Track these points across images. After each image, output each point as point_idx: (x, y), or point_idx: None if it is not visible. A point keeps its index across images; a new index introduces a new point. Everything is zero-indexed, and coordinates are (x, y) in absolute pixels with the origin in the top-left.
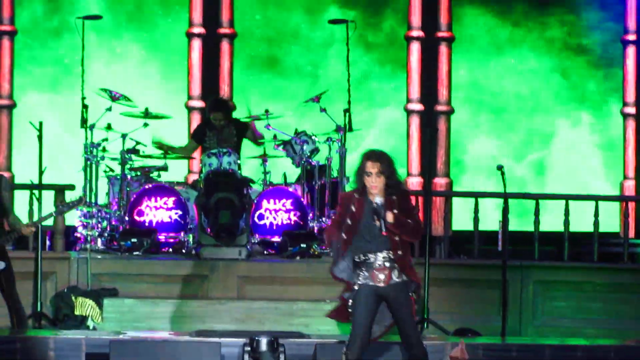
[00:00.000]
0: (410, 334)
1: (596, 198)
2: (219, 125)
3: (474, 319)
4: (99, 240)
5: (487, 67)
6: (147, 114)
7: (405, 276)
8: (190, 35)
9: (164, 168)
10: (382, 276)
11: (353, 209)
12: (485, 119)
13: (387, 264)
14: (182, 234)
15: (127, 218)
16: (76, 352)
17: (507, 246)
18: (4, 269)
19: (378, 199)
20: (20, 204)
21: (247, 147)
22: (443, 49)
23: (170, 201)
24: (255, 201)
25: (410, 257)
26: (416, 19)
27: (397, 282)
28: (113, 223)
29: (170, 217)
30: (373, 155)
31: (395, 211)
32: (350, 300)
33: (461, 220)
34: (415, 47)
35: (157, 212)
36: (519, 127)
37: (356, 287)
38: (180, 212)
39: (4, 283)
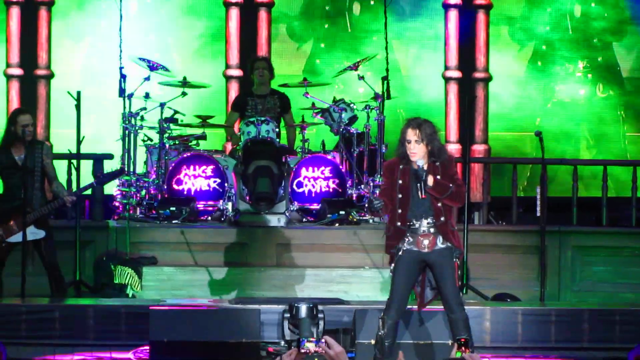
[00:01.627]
0: (452, 299)
1: (635, 163)
2: (262, 77)
3: (512, 285)
4: (138, 209)
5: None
6: (185, 83)
7: (449, 242)
8: (227, 5)
9: (203, 137)
10: (426, 242)
11: (397, 176)
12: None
13: (432, 230)
14: (220, 202)
15: (165, 187)
16: (115, 320)
17: (546, 212)
18: (45, 238)
19: (420, 164)
20: (59, 173)
21: None
22: (480, 16)
23: (209, 169)
24: (293, 169)
25: (454, 223)
26: None
27: (441, 248)
28: (151, 192)
29: (208, 185)
30: (413, 123)
31: (438, 177)
32: (392, 265)
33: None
34: (453, 15)
35: (195, 180)
36: None
37: (400, 253)
38: (218, 180)
39: (44, 251)
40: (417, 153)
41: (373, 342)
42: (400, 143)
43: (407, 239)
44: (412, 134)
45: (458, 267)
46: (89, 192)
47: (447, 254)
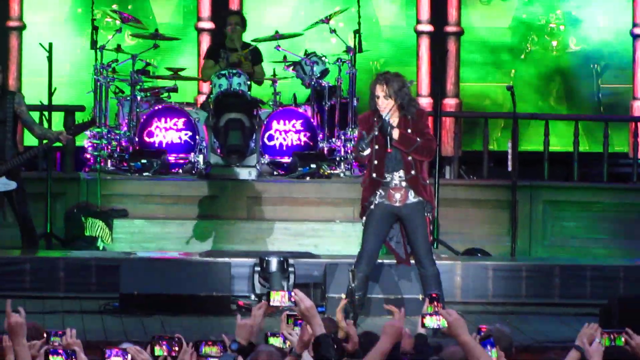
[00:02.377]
0: (423, 254)
1: (606, 119)
2: (233, 33)
3: (483, 240)
4: (109, 161)
5: None
6: (156, 36)
7: (421, 196)
8: None
9: (174, 89)
10: (397, 195)
11: (373, 130)
12: None
13: (404, 184)
14: (191, 154)
15: (136, 139)
16: (86, 272)
17: (517, 166)
18: (16, 189)
19: (387, 118)
20: None
21: None
22: None
23: (180, 122)
24: (265, 122)
25: (426, 177)
26: None
27: (412, 202)
28: (123, 144)
29: (180, 138)
30: (380, 78)
31: (409, 130)
32: (364, 218)
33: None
34: None
35: (166, 133)
36: None
37: (372, 206)
38: (190, 133)
39: (15, 203)
40: (386, 108)
41: (344, 295)
42: (370, 97)
43: (379, 192)
44: (379, 90)
45: (430, 222)
46: (59, 143)
47: (418, 208)
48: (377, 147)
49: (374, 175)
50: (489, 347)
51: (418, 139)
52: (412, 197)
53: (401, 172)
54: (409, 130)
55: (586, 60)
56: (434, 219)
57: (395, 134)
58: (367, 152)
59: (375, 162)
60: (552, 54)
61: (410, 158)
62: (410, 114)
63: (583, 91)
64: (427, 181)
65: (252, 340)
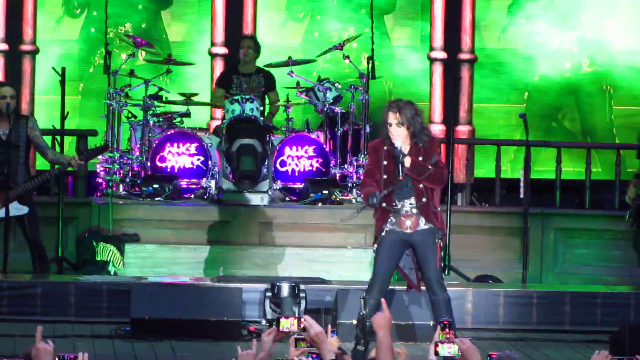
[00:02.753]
0: (434, 280)
1: (618, 147)
2: (246, 56)
3: (494, 266)
4: (121, 186)
5: None
6: (169, 61)
7: (432, 223)
8: None
9: (187, 114)
10: (408, 222)
11: (382, 156)
12: None
13: (415, 211)
14: (204, 180)
15: (149, 164)
16: (97, 296)
17: (529, 194)
18: (28, 213)
19: (398, 145)
20: None
21: None
22: None
23: (193, 147)
24: (277, 148)
25: (437, 204)
26: None
27: (423, 229)
28: (135, 169)
29: (192, 163)
30: (393, 106)
31: (420, 158)
32: (375, 245)
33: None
34: None
35: (179, 158)
36: None
37: (383, 234)
38: (202, 158)
39: (27, 227)
40: (398, 136)
41: (355, 322)
42: (382, 125)
43: (390, 220)
44: (392, 117)
45: (440, 249)
46: (71, 168)
47: (429, 235)
48: (385, 176)
49: (384, 205)
50: None
51: (430, 167)
52: (422, 224)
53: (412, 200)
54: (420, 158)
55: (599, 82)
56: (445, 245)
57: (407, 162)
58: (377, 204)
59: (385, 191)
60: (566, 75)
61: (421, 186)
62: (422, 141)
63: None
64: (438, 208)
65: None
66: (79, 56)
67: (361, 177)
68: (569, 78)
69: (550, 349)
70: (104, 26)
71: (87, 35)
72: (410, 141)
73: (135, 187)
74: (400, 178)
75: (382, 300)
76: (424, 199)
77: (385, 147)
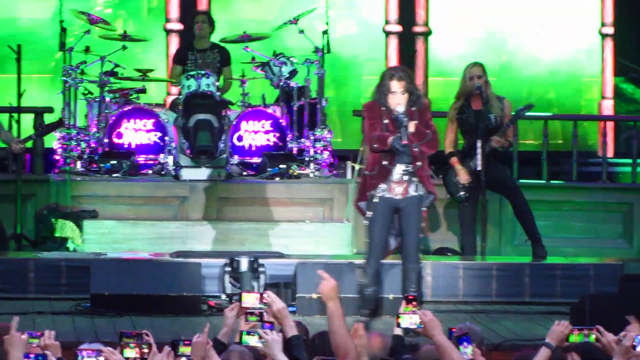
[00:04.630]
0: (412, 248)
1: (575, 118)
2: (201, 31)
3: (453, 239)
4: (78, 163)
5: None
6: (125, 37)
7: (423, 189)
8: None
9: (143, 90)
10: (399, 189)
11: (382, 115)
12: None
13: (405, 177)
14: (161, 156)
15: (106, 140)
16: (57, 273)
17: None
18: None
19: (400, 110)
20: None
21: None
22: None
23: (149, 123)
24: (234, 123)
25: (429, 168)
26: None
27: (412, 196)
28: (92, 145)
29: (149, 139)
30: (396, 75)
31: (416, 122)
32: (368, 213)
33: None
34: None
35: (136, 134)
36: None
37: (375, 200)
38: (159, 134)
39: None
40: (402, 102)
41: (314, 295)
42: (380, 92)
43: (380, 186)
44: (397, 86)
45: (426, 217)
46: (29, 145)
47: (416, 202)
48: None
49: (385, 162)
50: (466, 344)
51: (428, 132)
52: (412, 191)
53: (404, 165)
54: (416, 122)
55: None
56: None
57: (411, 127)
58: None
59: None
60: None
61: (416, 149)
62: (418, 106)
63: None
64: (430, 172)
65: (225, 341)
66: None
67: (318, 150)
68: None
69: (509, 321)
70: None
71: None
72: (407, 106)
73: (92, 164)
74: (404, 142)
75: (321, 271)
76: (418, 163)
77: (383, 108)
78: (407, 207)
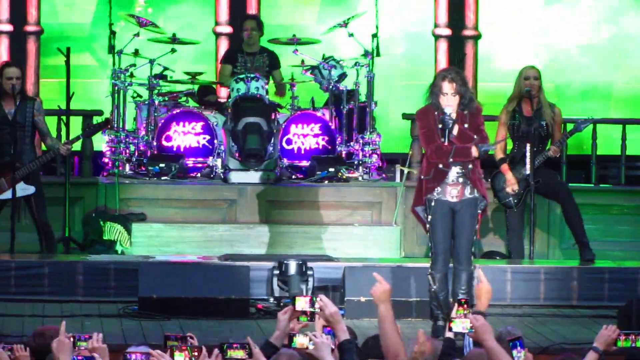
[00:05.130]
0: (464, 252)
1: (624, 122)
2: (250, 39)
3: (500, 243)
4: (127, 166)
5: None
6: (174, 40)
7: (477, 192)
8: None
9: (192, 93)
10: (454, 191)
11: (436, 120)
12: None
13: (460, 180)
14: (210, 158)
15: (155, 143)
16: (105, 276)
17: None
18: (35, 194)
19: (448, 112)
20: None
21: None
22: None
23: (199, 126)
24: (283, 126)
25: (481, 172)
26: None
27: (467, 198)
28: (141, 148)
29: (198, 142)
30: (448, 76)
31: (466, 125)
32: (429, 217)
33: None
34: None
35: (185, 137)
36: None
37: (433, 204)
38: (208, 137)
39: (34, 207)
40: (451, 104)
41: (362, 299)
42: (434, 94)
43: (436, 189)
44: (448, 87)
45: (480, 220)
46: (78, 148)
47: (472, 204)
48: (442, 139)
49: (440, 166)
50: (519, 348)
51: (475, 136)
52: (467, 194)
53: (458, 167)
54: (466, 125)
55: None
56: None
57: (455, 129)
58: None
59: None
60: None
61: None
62: (469, 109)
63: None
64: (482, 175)
65: (277, 344)
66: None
67: (367, 155)
68: None
69: (557, 325)
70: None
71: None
72: (458, 108)
73: (141, 167)
74: (446, 144)
75: (375, 274)
76: (470, 166)
77: (436, 113)
78: (462, 210)
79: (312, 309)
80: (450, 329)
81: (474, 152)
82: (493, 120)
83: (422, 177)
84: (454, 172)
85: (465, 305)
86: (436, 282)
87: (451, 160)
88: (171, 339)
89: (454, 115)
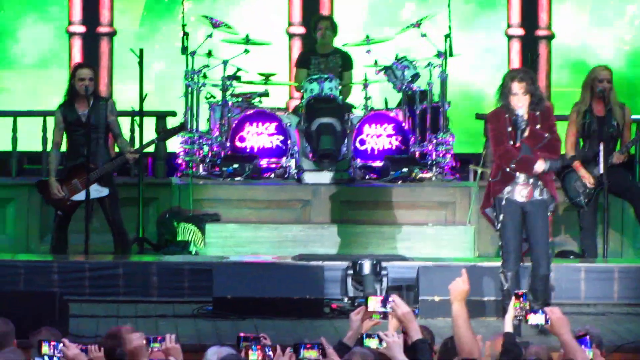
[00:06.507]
0: (541, 253)
1: None
2: (323, 40)
3: (573, 243)
4: (201, 166)
5: None
6: (247, 41)
7: (548, 193)
8: None
9: (265, 94)
10: (524, 192)
11: (506, 123)
12: None
13: (531, 180)
14: (283, 159)
15: (228, 144)
16: (179, 276)
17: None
18: (109, 195)
19: (520, 113)
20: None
21: None
22: None
23: (272, 127)
24: (356, 126)
25: (553, 173)
26: None
27: (537, 199)
28: (214, 149)
29: (271, 142)
30: (518, 76)
31: (538, 126)
32: (500, 216)
33: None
34: None
35: (258, 137)
36: None
37: (503, 203)
38: (281, 138)
39: (108, 209)
40: (522, 105)
41: (436, 298)
42: (504, 95)
43: (506, 189)
44: (518, 87)
45: (551, 221)
46: (152, 149)
47: (542, 205)
48: (511, 142)
49: (508, 169)
50: (585, 345)
51: (546, 136)
52: (537, 195)
53: None
54: (538, 126)
55: None
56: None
57: (527, 131)
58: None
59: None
60: None
61: (539, 154)
62: (540, 109)
63: None
64: (554, 177)
65: (351, 344)
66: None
67: (441, 154)
68: None
69: (631, 323)
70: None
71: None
72: (529, 109)
73: (215, 167)
74: (518, 145)
75: (463, 270)
76: None
77: (507, 115)
78: (533, 211)
79: (384, 309)
80: (526, 321)
81: (539, 166)
82: (564, 120)
83: (491, 179)
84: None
85: (521, 299)
86: (508, 281)
87: (513, 166)
88: (245, 339)
89: (525, 117)
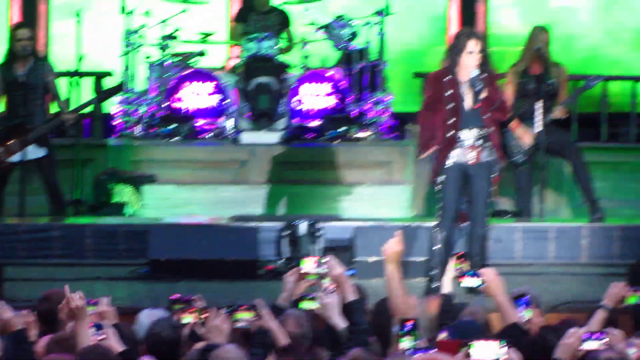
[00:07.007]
0: (480, 213)
1: (635, 79)
2: (261, 4)
3: (510, 201)
4: (138, 127)
5: None
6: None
7: (495, 154)
8: None
9: (202, 54)
10: (472, 154)
11: (445, 86)
12: None
13: (478, 142)
14: (221, 119)
15: (165, 104)
16: (115, 239)
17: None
18: (45, 156)
19: (474, 74)
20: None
21: None
22: None
23: (210, 86)
24: (294, 85)
25: (499, 135)
26: None
27: (483, 162)
28: (151, 109)
29: (209, 102)
30: (473, 34)
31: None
32: (440, 177)
33: None
34: None
35: (196, 97)
36: None
37: (447, 166)
38: (219, 97)
39: (44, 170)
40: (476, 64)
41: (372, 259)
42: (454, 53)
43: (453, 152)
44: (474, 45)
45: (496, 182)
46: (89, 110)
47: (487, 167)
48: (452, 104)
49: (453, 132)
50: (525, 306)
51: (497, 98)
52: (484, 157)
53: (476, 130)
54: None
55: None
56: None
57: (484, 93)
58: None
59: (454, 119)
60: None
61: (488, 115)
62: (488, 71)
63: None
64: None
65: (285, 306)
66: None
67: (379, 114)
68: None
69: (567, 283)
70: None
71: None
72: (480, 69)
73: (152, 128)
74: (476, 106)
75: (397, 231)
76: (492, 127)
77: (448, 77)
78: (478, 172)
79: (318, 270)
80: (459, 284)
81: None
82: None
83: (435, 144)
84: (472, 134)
85: (462, 259)
86: (440, 242)
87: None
88: (177, 301)
89: (481, 77)
